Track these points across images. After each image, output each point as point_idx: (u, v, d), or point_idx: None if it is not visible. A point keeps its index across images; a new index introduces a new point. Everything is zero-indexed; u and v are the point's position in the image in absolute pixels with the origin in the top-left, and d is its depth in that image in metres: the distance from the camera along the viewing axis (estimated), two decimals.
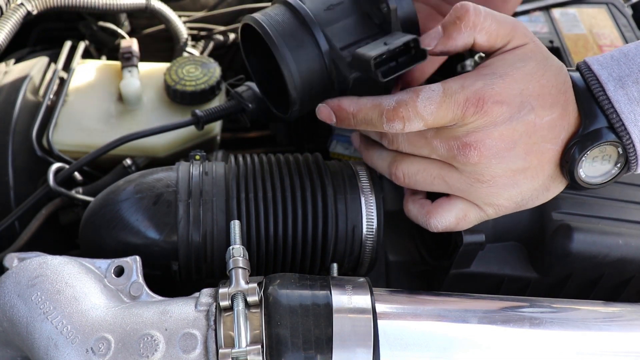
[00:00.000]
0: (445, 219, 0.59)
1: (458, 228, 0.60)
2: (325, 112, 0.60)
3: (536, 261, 0.65)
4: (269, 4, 0.63)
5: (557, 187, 0.58)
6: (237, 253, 0.51)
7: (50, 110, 0.87)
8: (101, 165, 0.82)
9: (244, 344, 0.46)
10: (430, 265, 0.69)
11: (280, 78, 0.57)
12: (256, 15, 0.59)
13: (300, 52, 0.56)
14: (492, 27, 0.55)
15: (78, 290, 0.51)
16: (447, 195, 0.59)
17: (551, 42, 0.87)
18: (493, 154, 0.54)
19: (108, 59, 1.06)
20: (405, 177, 0.59)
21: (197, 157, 0.67)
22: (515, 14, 0.93)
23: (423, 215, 0.60)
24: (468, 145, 0.54)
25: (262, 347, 0.47)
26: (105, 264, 0.56)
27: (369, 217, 0.63)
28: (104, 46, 1.05)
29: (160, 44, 1.10)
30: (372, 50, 0.54)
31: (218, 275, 0.63)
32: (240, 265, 0.51)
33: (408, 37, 0.55)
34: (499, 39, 0.56)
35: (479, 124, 0.53)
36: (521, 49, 0.56)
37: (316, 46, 0.57)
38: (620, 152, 0.55)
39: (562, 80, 0.55)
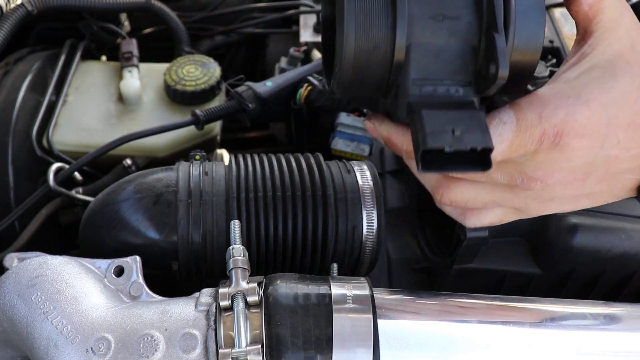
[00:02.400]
0: (481, 222, 0.52)
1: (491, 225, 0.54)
2: (374, 133, 0.51)
3: (539, 257, 0.65)
4: (269, 4, 0.62)
5: (620, 199, 0.51)
6: (237, 253, 0.51)
7: (50, 110, 0.87)
8: (101, 165, 0.82)
9: (244, 344, 0.46)
10: (432, 262, 0.69)
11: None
12: None
13: (367, 44, 0.43)
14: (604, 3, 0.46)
15: (78, 290, 0.51)
16: None
17: (551, 42, 0.87)
18: (558, 182, 0.47)
19: (108, 59, 1.06)
20: (453, 204, 0.51)
21: (197, 157, 0.67)
22: None
23: (457, 215, 0.53)
24: (534, 179, 0.47)
25: (262, 347, 0.47)
26: (105, 264, 0.56)
27: (369, 218, 0.63)
28: (104, 46, 1.05)
29: (160, 44, 1.10)
30: (435, 137, 0.41)
31: (218, 275, 0.63)
32: (240, 265, 0.50)
33: (485, 144, 0.41)
34: (600, 16, 0.47)
35: (550, 158, 0.46)
36: (614, 58, 0.46)
37: (390, 55, 0.43)
38: None
39: None
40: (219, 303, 0.49)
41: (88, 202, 0.69)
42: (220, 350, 0.46)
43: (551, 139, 0.45)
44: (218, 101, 0.90)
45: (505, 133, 0.44)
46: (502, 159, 0.45)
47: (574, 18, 0.49)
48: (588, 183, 0.48)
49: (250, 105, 0.77)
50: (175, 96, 0.88)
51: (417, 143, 0.42)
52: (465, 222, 0.53)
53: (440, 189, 0.51)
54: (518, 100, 0.46)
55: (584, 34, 0.48)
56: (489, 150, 0.42)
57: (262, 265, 0.64)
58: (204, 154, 0.68)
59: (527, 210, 0.51)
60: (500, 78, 0.41)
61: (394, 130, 0.49)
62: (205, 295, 0.51)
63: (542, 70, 0.82)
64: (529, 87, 0.49)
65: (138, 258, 0.56)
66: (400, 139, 0.48)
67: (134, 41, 0.97)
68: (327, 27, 0.52)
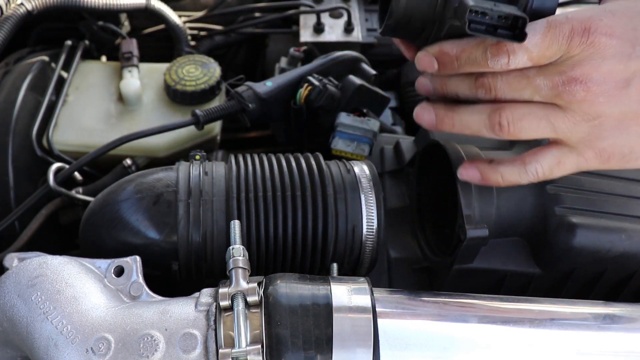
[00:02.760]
0: (542, 162, 0.56)
1: (553, 176, 0.57)
2: (425, 59, 0.57)
3: (539, 257, 0.66)
4: (269, 4, 0.62)
5: None
6: (237, 253, 0.51)
7: (50, 110, 0.87)
8: (101, 165, 0.82)
9: (244, 344, 0.46)
10: (432, 262, 0.69)
11: None
12: None
13: None
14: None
15: (78, 290, 0.51)
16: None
17: None
18: (601, 91, 0.50)
19: (108, 59, 1.06)
20: (510, 125, 0.54)
21: (197, 157, 0.67)
22: None
23: (518, 165, 0.57)
24: (574, 80, 0.50)
25: (262, 347, 0.47)
26: (105, 264, 0.56)
27: (369, 218, 0.63)
28: (104, 46, 1.05)
29: (160, 44, 1.10)
30: (477, 1, 0.51)
31: (218, 275, 0.63)
32: (240, 265, 0.51)
33: (518, 13, 0.51)
34: None
35: (585, 55, 0.50)
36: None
37: None
38: None
39: None
40: (219, 303, 0.49)
41: (88, 202, 0.69)
42: (220, 350, 0.46)
43: (580, 33, 0.49)
44: (218, 101, 0.90)
45: (537, 29, 0.50)
46: (538, 52, 0.51)
47: None
48: (631, 94, 0.50)
49: (250, 105, 0.77)
50: (175, 96, 0.89)
51: (463, 11, 0.50)
52: (527, 167, 0.57)
53: (494, 115, 0.54)
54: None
55: None
56: (523, 20, 0.50)
57: (262, 265, 0.64)
58: (204, 154, 0.68)
59: (579, 136, 0.53)
60: None
61: (443, 44, 0.55)
62: (205, 295, 0.51)
63: None
64: None
65: (138, 258, 0.56)
66: (451, 45, 0.55)
67: (134, 41, 0.97)
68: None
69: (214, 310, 0.49)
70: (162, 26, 1.08)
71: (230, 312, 0.48)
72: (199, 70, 0.90)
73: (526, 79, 0.53)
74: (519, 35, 0.51)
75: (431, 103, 0.61)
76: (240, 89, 0.79)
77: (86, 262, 0.56)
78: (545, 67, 0.52)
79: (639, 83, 0.50)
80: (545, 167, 0.56)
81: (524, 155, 0.57)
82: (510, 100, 0.54)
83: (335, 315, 0.48)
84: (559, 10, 0.54)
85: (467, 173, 0.61)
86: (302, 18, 1.07)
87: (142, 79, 0.91)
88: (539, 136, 0.55)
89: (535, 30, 0.50)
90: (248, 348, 0.46)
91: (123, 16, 1.07)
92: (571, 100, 0.51)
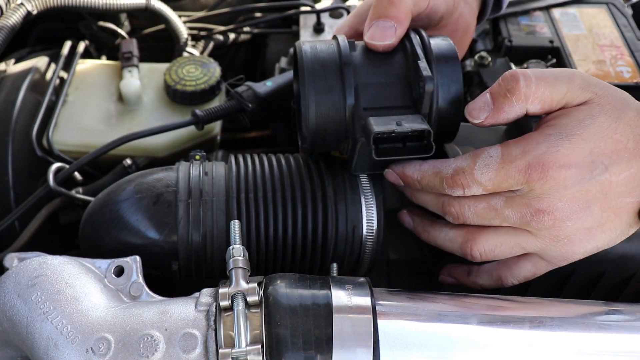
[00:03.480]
0: (518, 276, 0.59)
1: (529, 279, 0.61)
2: (392, 177, 0.60)
3: None
4: (269, 4, 0.63)
5: (634, 229, 0.56)
6: (237, 253, 0.51)
7: (50, 110, 0.87)
8: (101, 165, 0.82)
9: (244, 344, 0.46)
10: (432, 263, 0.69)
11: None
12: (306, 43, 0.60)
13: (325, 97, 0.57)
14: (545, 95, 0.53)
15: (78, 290, 0.51)
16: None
17: (551, 42, 0.87)
18: (567, 216, 0.52)
19: (108, 59, 1.06)
20: (482, 255, 0.57)
21: (197, 157, 0.67)
22: (516, 14, 0.93)
23: (495, 279, 0.61)
24: (540, 212, 0.52)
25: (262, 347, 0.47)
26: (105, 264, 0.56)
27: (369, 218, 0.63)
28: (104, 46, 1.06)
29: (160, 44, 1.10)
30: (380, 125, 0.54)
31: (218, 275, 0.63)
32: (240, 265, 0.51)
33: (422, 126, 0.54)
34: (554, 103, 0.54)
35: (546, 189, 0.52)
36: (587, 105, 0.53)
37: (342, 97, 0.57)
38: None
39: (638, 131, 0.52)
40: (219, 303, 0.49)
41: (88, 202, 0.69)
42: (220, 350, 0.46)
43: (538, 169, 0.51)
44: (218, 101, 0.90)
45: (491, 164, 0.52)
46: (493, 186, 0.53)
47: None
48: (594, 212, 0.52)
49: (250, 105, 0.77)
50: (175, 96, 0.88)
51: (369, 137, 0.54)
52: (503, 281, 0.60)
53: (468, 243, 0.57)
54: (507, 141, 0.54)
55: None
56: (428, 133, 0.54)
57: (262, 265, 0.64)
58: (204, 154, 0.68)
59: (552, 254, 0.56)
60: (427, 92, 0.55)
61: (406, 166, 0.58)
62: (205, 295, 0.51)
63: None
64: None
65: (138, 258, 0.56)
66: (412, 170, 0.58)
67: (134, 41, 0.97)
68: (299, 100, 0.64)
69: (214, 310, 0.49)
70: (162, 26, 1.08)
71: (230, 312, 0.48)
72: (199, 70, 0.90)
73: (494, 210, 0.55)
74: (427, 147, 0.55)
75: (411, 211, 0.65)
76: (240, 89, 0.79)
77: (86, 262, 0.56)
78: (511, 199, 0.54)
79: (598, 201, 0.52)
80: (520, 278, 0.60)
81: (500, 268, 0.60)
82: (481, 226, 0.57)
83: (335, 315, 0.48)
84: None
85: (445, 279, 0.66)
86: (302, 18, 1.07)
87: (142, 79, 0.91)
88: (512, 255, 0.58)
89: (489, 165, 0.52)
90: (248, 348, 0.46)
91: (123, 16, 1.07)
92: (540, 227, 0.53)
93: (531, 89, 0.53)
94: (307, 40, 0.61)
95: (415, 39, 0.59)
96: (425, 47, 0.59)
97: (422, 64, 0.56)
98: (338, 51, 0.58)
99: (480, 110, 0.55)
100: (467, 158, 0.54)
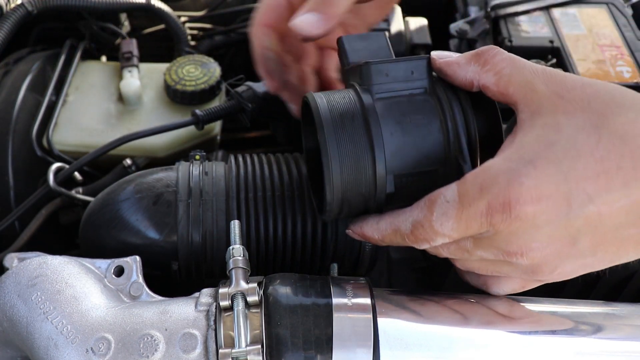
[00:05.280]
0: (504, 289, 0.52)
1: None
2: (355, 235, 0.54)
3: None
4: None
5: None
6: (237, 253, 0.51)
7: (50, 110, 0.87)
8: (101, 165, 0.82)
9: (244, 344, 0.46)
10: (432, 262, 0.69)
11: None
12: (319, 96, 0.52)
13: (351, 167, 0.49)
14: (505, 71, 0.46)
15: (78, 290, 0.51)
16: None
17: (551, 42, 0.87)
18: (546, 256, 0.44)
19: (108, 59, 1.06)
20: (463, 271, 0.53)
21: (197, 157, 0.67)
22: (516, 14, 0.93)
23: (481, 285, 0.54)
24: (513, 254, 0.44)
25: (262, 347, 0.47)
26: (105, 264, 0.56)
27: None
28: (104, 46, 1.05)
29: (160, 44, 1.10)
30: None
31: (218, 275, 0.63)
32: (240, 265, 0.51)
33: None
34: (513, 87, 0.45)
35: (513, 230, 0.42)
36: (550, 112, 0.43)
37: (372, 169, 0.49)
38: None
39: (638, 141, 0.40)
40: (219, 303, 0.49)
41: (88, 202, 0.69)
42: (220, 350, 0.46)
43: (500, 210, 0.41)
44: (218, 101, 0.90)
45: (449, 212, 0.44)
46: (458, 235, 0.44)
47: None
48: (582, 248, 0.43)
49: (250, 105, 0.77)
50: (175, 96, 0.88)
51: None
52: (490, 290, 0.53)
53: (455, 262, 0.52)
54: (467, 174, 0.45)
55: (512, 107, 0.47)
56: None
57: (262, 265, 0.64)
58: (204, 154, 0.68)
59: (542, 278, 0.48)
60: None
61: (364, 226, 0.52)
62: (205, 295, 0.51)
63: None
64: None
65: (138, 258, 0.56)
66: (371, 230, 0.52)
67: (134, 41, 0.96)
68: (311, 157, 0.60)
69: (214, 310, 0.49)
70: (162, 26, 1.08)
71: (230, 312, 0.48)
72: (199, 70, 0.90)
73: (466, 251, 0.48)
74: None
75: None
76: (240, 89, 0.79)
77: (86, 262, 0.56)
78: (480, 240, 0.46)
79: (587, 236, 0.42)
80: (507, 292, 0.53)
81: (489, 282, 0.53)
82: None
83: (335, 315, 0.48)
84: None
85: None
86: None
87: (142, 79, 0.91)
88: (503, 284, 0.52)
89: (447, 213, 0.44)
90: (248, 348, 0.46)
91: (123, 16, 1.06)
92: (518, 265, 0.46)
93: (494, 59, 0.47)
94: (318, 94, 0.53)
95: (460, 118, 0.50)
96: (470, 134, 0.50)
97: (466, 162, 0.49)
98: (360, 106, 0.50)
99: (444, 55, 0.50)
100: (423, 207, 0.46)
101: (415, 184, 0.50)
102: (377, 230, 0.51)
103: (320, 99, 0.51)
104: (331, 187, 0.49)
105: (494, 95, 0.47)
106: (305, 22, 0.57)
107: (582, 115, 0.42)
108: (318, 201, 0.58)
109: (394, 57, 0.54)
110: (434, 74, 0.52)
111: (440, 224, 0.44)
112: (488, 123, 0.51)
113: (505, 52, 0.48)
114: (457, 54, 0.50)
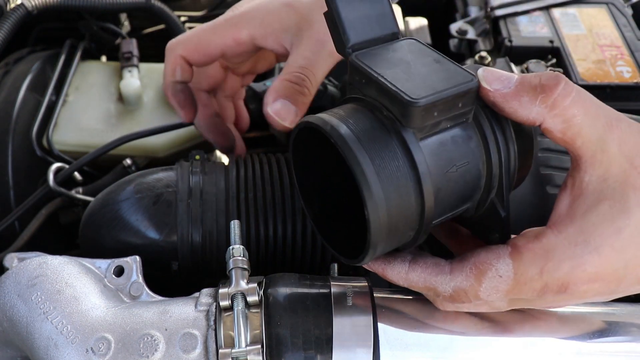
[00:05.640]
0: None
1: None
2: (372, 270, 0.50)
3: None
4: None
5: None
6: (237, 253, 0.51)
7: (50, 110, 0.87)
8: (101, 165, 0.82)
9: (243, 344, 0.46)
10: None
11: (343, 214, 0.47)
12: (337, 125, 0.42)
13: (395, 197, 0.41)
14: (575, 118, 0.41)
15: (78, 290, 0.51)
16: None
17: (551, 42, 0.87)
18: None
19: (108, 59, 1.06)
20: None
21: (197, 157, 0.67)
22: (516, 14, 0.93)
23: None
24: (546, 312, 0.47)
25: (262, 347, 0.47)
26: (105, 264, 0.56)
27: None
28: (104, 46, 1.05)
29: (160, 44, 1.10)
30: None
31: (218, 275, 0.63)
32: (240, 265, 0.50)
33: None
34: (578, 139, 0.42)
35: (560, 299, 0.44)
36: (625, 187, 0.41)
37: (420, 210, 0.43)
38: None
39: None
40: (219, 303, 0.49)
41: (88, 202, 0.69)
42: (220, 350, 0.46)
43: (555, 290, 0.42)
44: None
45: (501, 286, 0.43)
46: (500, 306, 0.45)
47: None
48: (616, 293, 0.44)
49: (250, 105, 0.77)
50: None
51: None
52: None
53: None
54: (520, 245, 0.43)
55: (573, 158, 0.44)
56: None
57: (262, 265, 0.64)
58: (204, 154, 0.68)
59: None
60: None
61: (410, 275, 0.47)
62: (205, 295, 0.51)
63: (541, 70, 0.81)
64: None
65: (138, 258, 0.56)
66: (417, 278, 0.47)
67: (134, 41, 0.96)
68: (299, 169, 0.52)
69: (214, 310, 0.49)
70: (162, 26, 1.08)
71: (230, 312, 0.48)
72: None
73: (487, 305, 0.46)
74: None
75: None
76: None
77: (86, 262, 0.56)
78: (516, 301, 0.46)
79: (623, 286, 0.43)
80: None
81: None
82: None
83: (335, 315, 0.48)
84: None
85: None
86: None
87: (142, 79, 0.91)
88: None
89: (498, 288, 0.43)
90: (248, 348, 0.46)
91: (123, 16, 1.07)
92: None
93: (564, 101, 0.41)
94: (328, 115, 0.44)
95: (505, 157, 0.44)
96: (510, 170, 0.46)
97: (505, 209, 0.46)
98: (401, 142, 0.42)
99: (497, 80, 0.43)
100: (469, 275, 0.44)
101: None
102: (406, 280, 0.47)
103: (346, 131, 0.42)
104: (373, 215, 0.41)
105: (554, 139, 0.43)
106: (283, 112, 0.59)
107: None
108: (333, 241, 0.50)
109: (436, 55, 0.44)
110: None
111: (487, 295, 0.44)
112: (524, 149, 0.46)
113: (575, 88, 0.42)
114: (512, 79, 0.43)
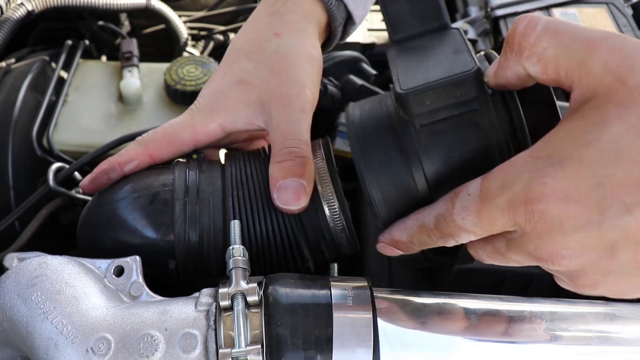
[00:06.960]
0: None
1: None
2: (387, 249, 0.53)
3: None
4: None
5: None
6: (237, 253, 0.51)
7: (50, 110, 0.87)
8: None
9: (243, 344, 0.46)
10: (432, 262, 0.69)
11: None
12: (356, 106, 0.50)
13: (390, 188, 0.49)
14: (547, 52, 0.38)
15: (78, 290, 0.51)
16: None
17: None
18: (585, 267, 0.39)
19: (108, 59, 1.06)
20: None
21: (194, 156, 0.67)
22: (516, 14, 0.93)
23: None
24: (543, 260, 0.40)
25: (262, 347, 0.47)
26: (105, 264, 0.56)
27: (328, 199, 0.59)
28: (104, 46, 1.06)
29: (160, 44, 1.10)
30: None
31: (216, 274, 0.63)
32: (240, 265, 0.50)
33: None
34: (562, 72, 0.39)
35: (540, 232, 0.39)
36: (597, 103, 0.37)
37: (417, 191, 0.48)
38: None
39: None
40: (219, 303, 0.49)
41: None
42: (220, 350, 0.46)
43: (521, 209, 0.38)
44: None
45: (470, 204, 0.42)
46: (482, 231, 0.42)
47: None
48: (623, 263, 0.38)
49: None
50: (175, 96, 0.88)
51: None
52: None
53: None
54: (494, 168, 0.42)
55: (567, 92, 0.41)
56: None
57: (261, 264, 0.63)
58: (201, 153, 0.68)
59: (589, 292, 0.43)
60: None
61: (392, 231, 0.52)
62: (205, 295, 0.51)
63: None
64: None
65: (138, 258, 0.56)
66: (399, 232, 0.51)
67: (134, 41, 0.97)
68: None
69: (214, 310, 0.49)
70: (162, 26, 1.08)
71: (230, 312, 0.48)
72: (199, 70, 0.90)
73: (501, 255, 0.45)
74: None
75: None
76: None
77: (86, 262, 0.56)
78: (511, 241, 0.42)
79: (625, 250, 0.37)
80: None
81: None
82: None
83: (335, 315, 0.48)
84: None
85: None
86: None
87: (142, 79, 0.91)
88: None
89: (468, 207, 0.42)
90: (248, 348, 0.46)
91: (123, 16, 1.07)
92: (555, 270, 0.43)
93: (528, 39, 0.39)
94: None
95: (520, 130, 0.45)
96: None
97: None
98: (397, 138, 0.48)
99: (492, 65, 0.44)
100: (447, 201, 0.44)
101: None
102: (405, 229, 0.50)
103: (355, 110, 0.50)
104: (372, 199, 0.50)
105: (547, 83, 0.41)
106: (291, 196, 0.56)
107: (629, 120, 0.35)
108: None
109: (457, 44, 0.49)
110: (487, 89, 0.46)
111: (461, 218, 0.42)
112: (541, 119, 0.44)
113: (540, 21, 0.39)
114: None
